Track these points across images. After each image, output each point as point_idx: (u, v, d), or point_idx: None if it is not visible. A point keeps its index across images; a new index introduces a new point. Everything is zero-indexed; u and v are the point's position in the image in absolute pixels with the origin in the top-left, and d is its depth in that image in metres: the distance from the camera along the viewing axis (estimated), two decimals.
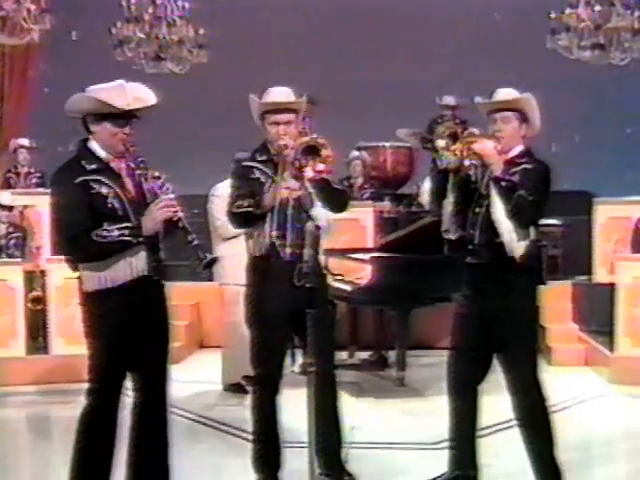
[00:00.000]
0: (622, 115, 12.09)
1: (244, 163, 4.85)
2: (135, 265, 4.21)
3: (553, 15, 10.48)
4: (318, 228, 4.22)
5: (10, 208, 8.47)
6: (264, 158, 4.80)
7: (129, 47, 11.69)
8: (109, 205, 4.15)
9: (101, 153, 4.23)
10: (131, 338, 4.23)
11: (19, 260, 8.01)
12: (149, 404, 4.46)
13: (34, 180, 10.18)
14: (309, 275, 4.22)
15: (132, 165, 4.31)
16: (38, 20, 10.15)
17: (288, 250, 4.70)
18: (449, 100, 10.97)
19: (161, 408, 4.48)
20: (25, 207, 8.36)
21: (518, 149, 4.67)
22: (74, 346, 7.32)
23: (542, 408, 4.66)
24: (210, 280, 8.62)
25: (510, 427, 5.17)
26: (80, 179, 4.13)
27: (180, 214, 4.17)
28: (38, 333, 7.83)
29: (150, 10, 11.44)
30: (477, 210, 4.66)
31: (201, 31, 11.62)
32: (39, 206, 8.57)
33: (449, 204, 4.73)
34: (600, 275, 8.67)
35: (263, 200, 4.65)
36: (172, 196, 4.21)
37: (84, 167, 4.17)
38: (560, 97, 11.75)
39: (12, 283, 7.68)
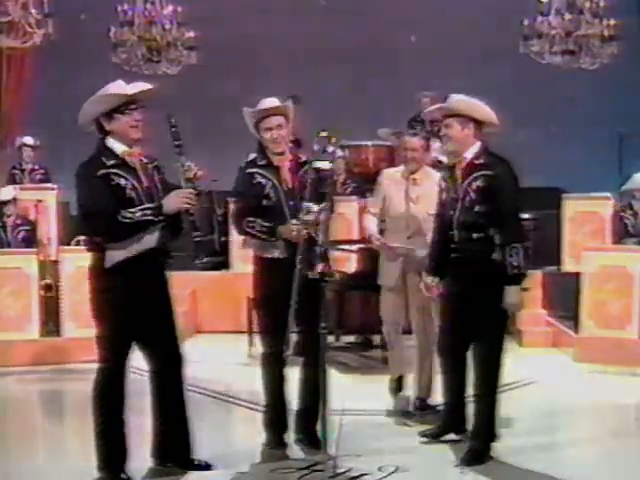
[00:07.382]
0: (591, 117, 12.74)
1: (247, 170, 5.45)
2: (150, 238, 4.74)
3: (526, 22, 11.15)
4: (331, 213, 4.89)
5: (15, 202, 8.91)
6: (264, 163, 5.43)
7: (123, 50, 12.27)
8: (127, 196, 4.72)
9: (118, 149, 4.77)
10: (141, 312, 4.75)
11: (34, 250, 8.43)
12: (165, 374, 4.97)
13: (38, 177, 10.61)
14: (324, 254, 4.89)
15: (145, 160, 4.88)
16: (41, 24, 10.65)
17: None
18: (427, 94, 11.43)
19: (177, 377, 5.01)
20: (39, 201, 8.92)
21: (474, 149, 5.25)
22: (84, 329, 7.91)
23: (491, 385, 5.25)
24: (205, 270, 9.25)
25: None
26: (102, 172, 4.70)
27: (194, 210, 4.74)
28: (49, 318, 8.29)
29: (145, 13, 12.04)
30: (451, 212, 5.31)
31: (191, 34, 12.22)
32: (47, 200, 9.24)
33: None
34: (568, 265, 9.34)
35: (279, 233, 5.24)
36: (194, 191, 4.78)
37: (104, 162, 4.73)
38: (531, 98, 12.53)
39: (27, 270, 8.13)
